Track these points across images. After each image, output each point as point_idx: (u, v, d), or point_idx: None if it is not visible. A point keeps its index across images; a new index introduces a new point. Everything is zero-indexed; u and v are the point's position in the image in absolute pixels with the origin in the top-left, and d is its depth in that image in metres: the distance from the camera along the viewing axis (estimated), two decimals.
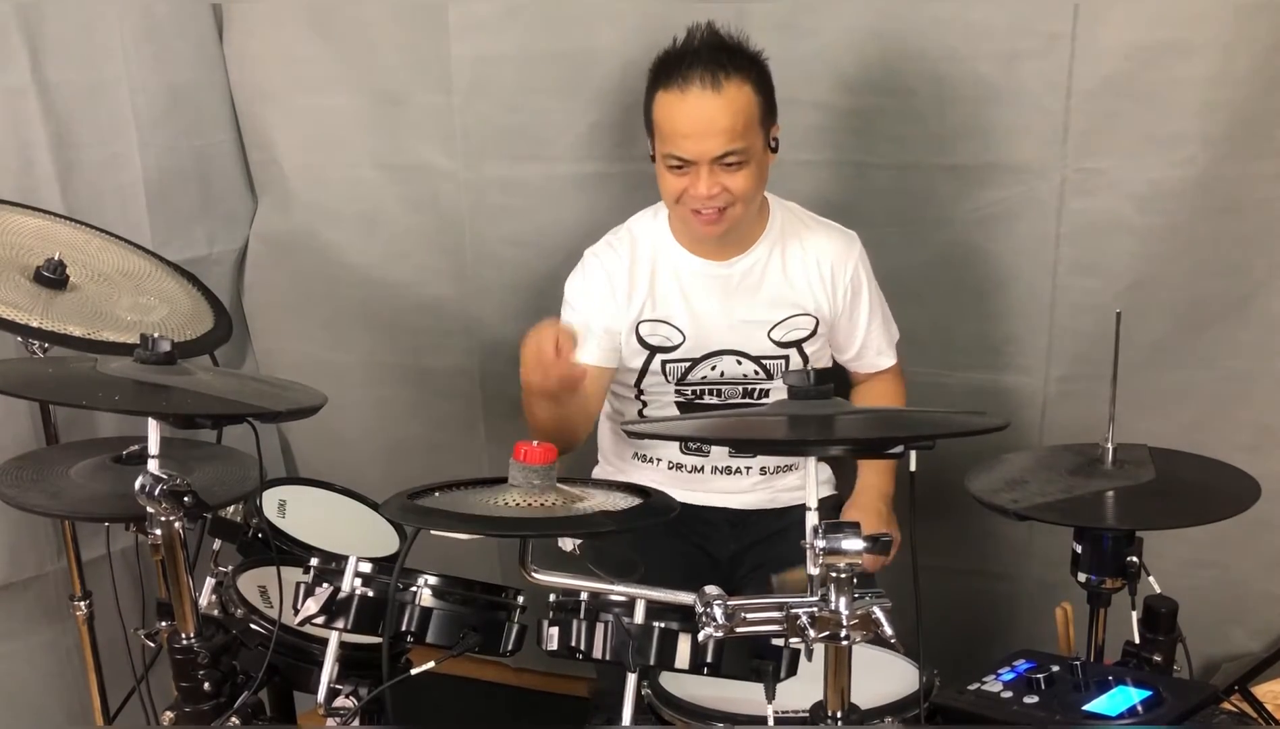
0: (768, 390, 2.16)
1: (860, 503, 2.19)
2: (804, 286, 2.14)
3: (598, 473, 2.33)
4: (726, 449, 2.19)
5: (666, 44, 2.04)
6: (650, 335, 2.14)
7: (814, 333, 2.14)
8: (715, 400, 2.18)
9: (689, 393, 2.17)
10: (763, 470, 2.22)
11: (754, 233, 2.12)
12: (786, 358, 2.14)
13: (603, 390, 2.19)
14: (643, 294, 2.13)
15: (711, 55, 1.97)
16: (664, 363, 2.14)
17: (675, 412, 2.19)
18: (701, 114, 1.95)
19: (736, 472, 2.22)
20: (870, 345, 2.24)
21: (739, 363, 2.13)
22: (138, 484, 1.65)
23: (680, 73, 1.97)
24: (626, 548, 1.91)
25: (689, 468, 2.22)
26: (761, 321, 2.12)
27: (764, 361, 2.13)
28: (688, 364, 2.14)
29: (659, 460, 2.24)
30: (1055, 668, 1.66)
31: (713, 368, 2.14)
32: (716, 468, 2.21)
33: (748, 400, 2.17)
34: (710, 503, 2.22)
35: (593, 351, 2.12)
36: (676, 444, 2.20)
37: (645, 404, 2.21)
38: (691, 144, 1.96)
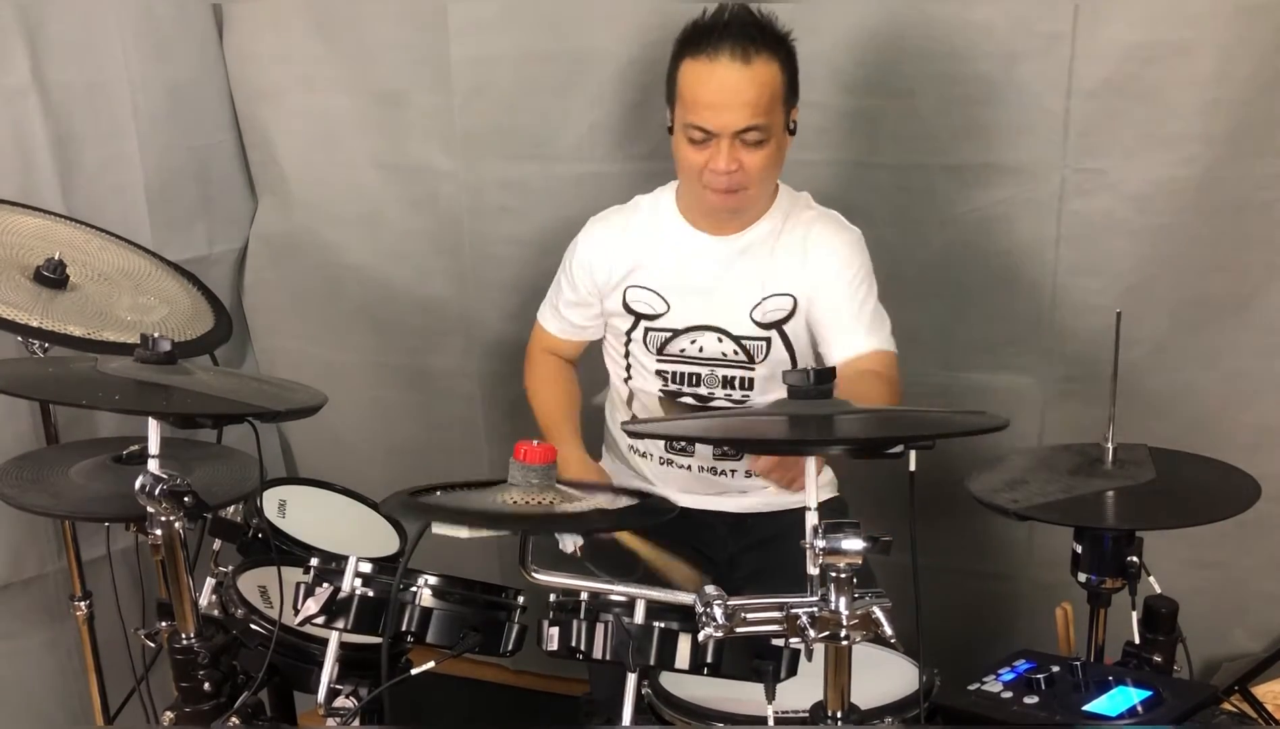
0: (750, 380, 2.14)
1: None
2: (787, 267, 2.11)
3: (605, 464, 2.34)
4: (710, 451, 2.19)
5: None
6: (635, 302, 2.15)
7: (792, 313, 2.11)
8: (695, 389, 2.17)
9: (669, 374, 2.17)
10: (748, 473, 2.20)
11: (758, 212, 2.12)
12: (768, 340, 2.12)
13: (580, 348, 2.33)
14: (633, 259, 2.15)
15: (742, 29, 1.96)
16: (646, 330, 2.16)
17: (656, 387, 2.19)
18: (728, 85, 1.94)
19: (722, 474, 2.21)
20: (839, 324, 2.08)
21: (720, 340, 2.13)
22: (138, 484, 1.65)
23: (711, 42, 1.95)
24: (624, 550, 1.92)
25: (677, 465, 2.22)
26: (744, 300, 2.12)
27: (744, 342, 2.12)
28: (669, 334, 2.14)
29: (650, 455, 2.25)
30: (1055, 668, 1.66)
31: (692, 342, 2.14)
32: (703, 468, 2.21)
33: (728, 391, 2.16)
34: (708, 507, 2.22)
35: (562, 326, 2.28)
36: (660, 441, 2.21)
37: (631, 378, 2.23)
38: (715, 115, 1.95)
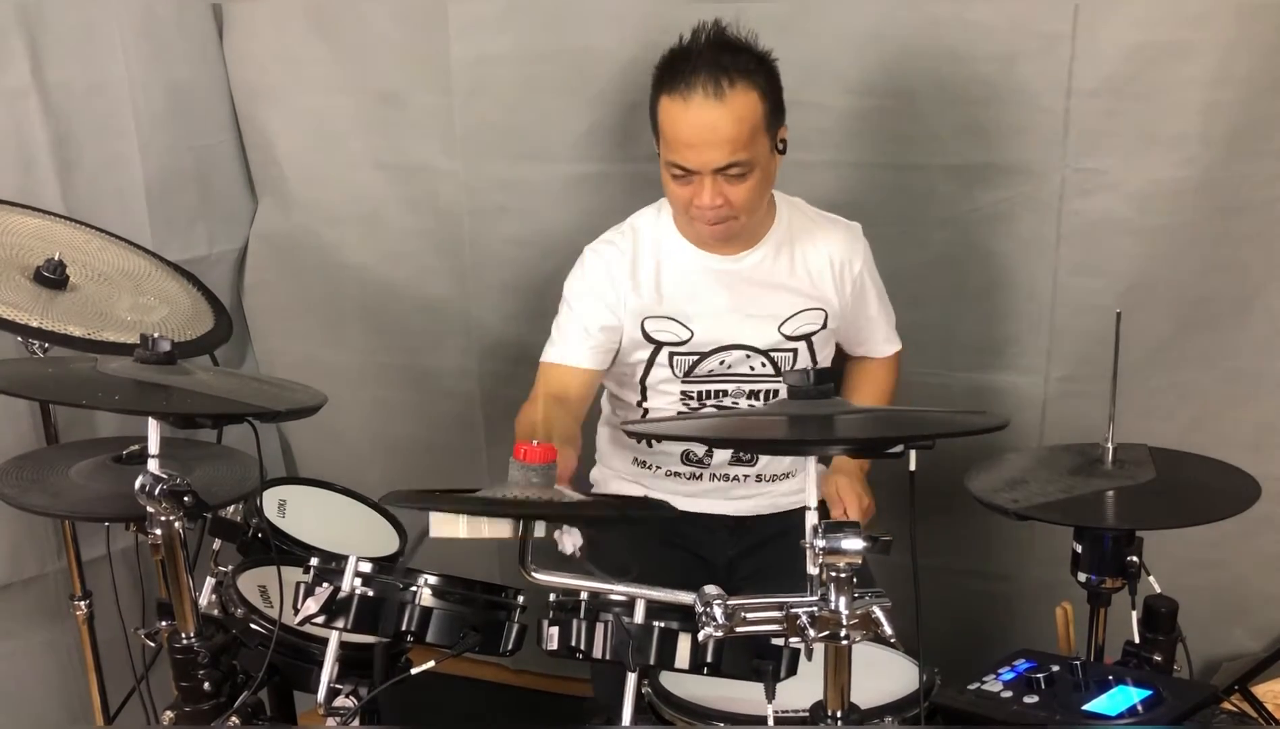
0: (777, 392, 2.14)
1: (842, 467, 2.18)
2: (815, 281, 2.13)
3: (595, 475, 2.33)
4: (727, 458, 2.18)
5: (666, 44, 2.02)
6: (657, 332, 2.11)
7: (824, 326, 2.14)
8: (720, 403, 2.16)
9: (695, 392, 2.15)
10: (759, 478, 2.21)
11: (761, 229, 2.11)
12: (795, 351, 2.13)
13: (592, 393, 2.17)
14: (647, 290, 2.11)
15: (716, 58, 1.92)
16: (671, 355, 2.13)
17: (678, 407, 2.17)
18: (704, 124, 1.91)
19: (734, 480, 2.21)
20: (877, 336, 2.27)
21: (748, 356, 2.12)
22: (138, 484, 1.65)
23: (684, 78, 1.92)
24: (625, 552, 1.92)
25: (686, 476, 2.21)
26: (773, 316, 2.11)
27: (773, 354, 2.12)
28: (696, 358, 2.12)
29: (658, 467, 2.22)
30: (1055, 668, 1.66)
31: (721, 362, 2.13)
32: (715, 475, 2.20)
33: (753, 403, 2.15)
34: (708, 510, 2.21)
35: (585, 354, 2.11)
36: (676, 454, 2.19)
37: (647, 410, 2.20)
38: (694, 154, 1.93)
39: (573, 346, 2.12)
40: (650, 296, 2.11)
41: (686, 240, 2.12)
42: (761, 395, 2.15)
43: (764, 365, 2.13)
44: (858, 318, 2.21)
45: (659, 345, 2.13)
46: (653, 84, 2.01)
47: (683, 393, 2.15)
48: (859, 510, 2.10)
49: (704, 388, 2.15)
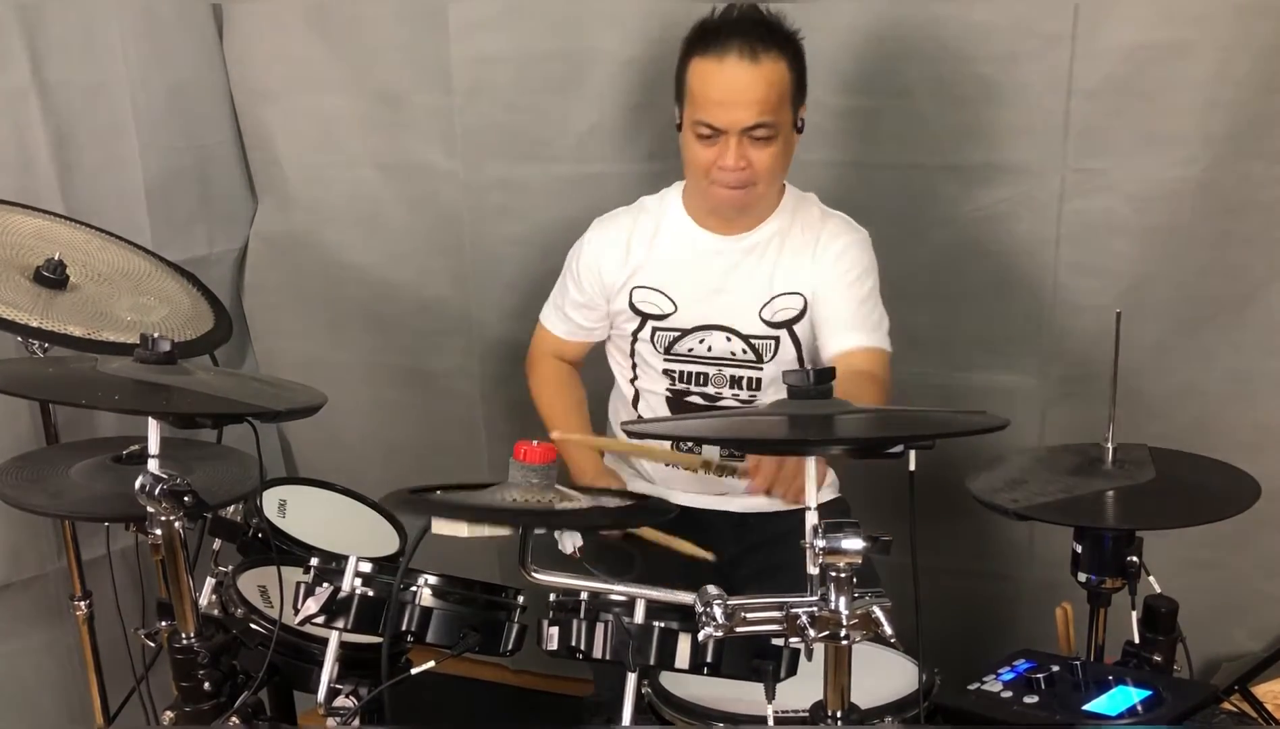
0: (758, 380, 2.15)
1: None
2: (796, 266, 2.12)
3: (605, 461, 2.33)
4: (716, 457, 2.18)
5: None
6: (642, 302, 2.16)
7: (802, 313, 2.12)
8: (703, 389, 2.17)
9: (677, 373, 2.17)
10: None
11: (765, 212, 2.13)
12: (777, 339, 2.13)
13: (585, 350, 2.32)
14: (639, 259, 2.15)
15: (751, 28, 1.99)
16: (654, 330, 2.16)
17: (663, 387, 2.19)
18: (737, 82, 1.96)
19: (728, 474, 2.20)
20: (838, 320, 2.09)
21: (728, 339, 2.14)
22: (138, 484, 1.65)
23: (719, 41, 1.98)
24: (625, 550, 1.92)
25: (682, 467, 2.21)
26: (753, 299, 2.12)
27: (754, 341, 2.13)
28: (677, 334, 2.15)
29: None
30: (1055, 668, 1.66)
31: (700, 341, 2.15)
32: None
33: (735, 390, 2.16)
34: (710, 506, 2.22)
35: (571, 329, 2.27)
36: (667, 445, 2.19)
37: (637, 378, 2.23)
38: (724, 112, 1.97)
39: (561, 320, 2.29)
40: (640, 263, 2.16)
41: (690, 219, 2.15)
42: (744, 382, 2.16)
43: (745, 352, 2.14)
44: (824, 299, 2.10)
45: (644, 318, 2.16)
46: (682, 50, 2.05)
47: (665, 371, 2.18)
48: (769, 479, 1.87)
49: (686, 368, 2.17)
